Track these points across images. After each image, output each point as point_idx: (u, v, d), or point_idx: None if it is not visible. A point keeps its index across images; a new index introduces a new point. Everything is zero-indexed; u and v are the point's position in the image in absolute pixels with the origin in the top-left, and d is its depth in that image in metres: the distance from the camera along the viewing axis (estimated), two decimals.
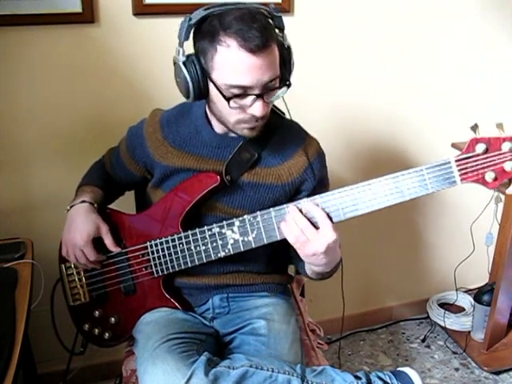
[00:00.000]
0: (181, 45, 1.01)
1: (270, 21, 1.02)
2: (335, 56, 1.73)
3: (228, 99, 0.99)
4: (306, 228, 0.99)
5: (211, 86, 1.02)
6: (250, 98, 1.00)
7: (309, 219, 1.00)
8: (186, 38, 1.01)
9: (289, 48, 1.06)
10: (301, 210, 1.02)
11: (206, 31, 0.98)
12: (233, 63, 0.96)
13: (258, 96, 0.99)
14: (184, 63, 1.01)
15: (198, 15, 0.99)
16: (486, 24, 1.87)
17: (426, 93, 1.89)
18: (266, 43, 0.95)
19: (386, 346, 2.09)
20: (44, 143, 1.54)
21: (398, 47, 1.79)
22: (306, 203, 1.02)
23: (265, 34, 0.95)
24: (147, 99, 1.54)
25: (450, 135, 1.87)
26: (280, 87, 1.03)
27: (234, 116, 1.04)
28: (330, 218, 1.00)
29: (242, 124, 1.06)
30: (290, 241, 1.01)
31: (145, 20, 1.50)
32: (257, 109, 1.01)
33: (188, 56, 1.02)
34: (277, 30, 1.04)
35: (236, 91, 0.99)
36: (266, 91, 1.00)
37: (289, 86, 1.04)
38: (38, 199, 1.59)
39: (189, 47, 1.03)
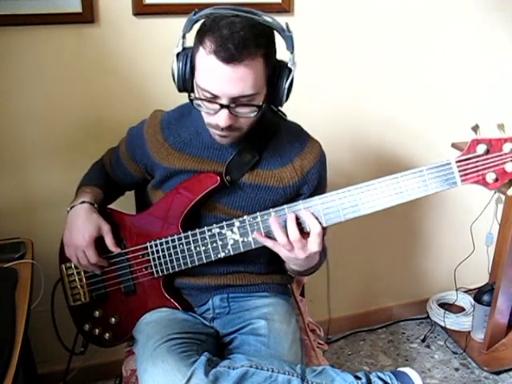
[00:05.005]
0: (183, 36, 1.02)
1: (273, 36, 0.99)
2: (335, 56, 1.73)
3: (191, 99, 1.00)
4: (296, 241, 1.01)
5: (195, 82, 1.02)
6: (216, 106, 0.98)
7: (299, 223, 1.03)
8: (187, 31, 1.01)
9: (290, 70, 1.01)
10: (297, 217, 1.03)
11: (199, 29, 0.99)
12: (205, 66, 0.96)
13: (224, 106, 0.97)
14: (177, 54, 1.02)
15: (202, 12, 0.99)
16: (486, 24, 1.87)
17: (426, 93, 1.89)
18: (239, 56, 0.91)
19: (385, 346, 2.09)
20: (44, 143, 1.54)
21: (398, 47, 1.79)
22: (304, 213, 1.03)
23: (244, 46, 0.91)
24: (147, 99, 1.54)
25: (450, 135, 1.87)
26: (256, 106, 0.99)
27: (205, 118, 1.04)
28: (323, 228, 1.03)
29: (211, 129, 1.05)
30: (271, 245, 1.05)
31: (145, 20, 1.50)
32: (220, 118, 0.98)
33: (185, 49, 1.02)
34: (288, 52, 1.01)
35: (206, 95, 0.98)
36: (235, 104, 0.98)
37: (260, 108, 0.99)
38: (38, 199, 1.59)
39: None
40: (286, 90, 1.02)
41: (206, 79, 0.96)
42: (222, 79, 0.94)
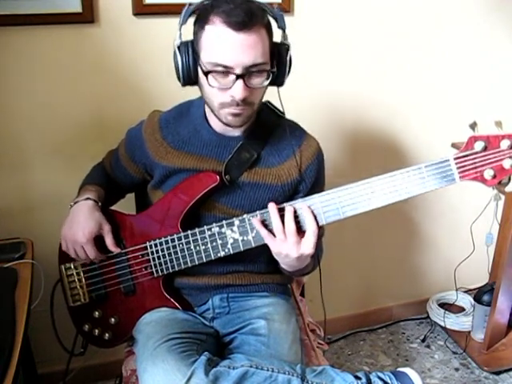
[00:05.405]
0: (179, 29, 1.03)
1: (268, 14, 1.03)
2: (335, 56, 1.73)
3: (206, 73, 1.00)
4: (290, 233, 1.01)
5: (199, 69, 1.03)
6: (230, 78, 1.00)
7: (297, 221, 1.02)
8: (184, 22, 1.03)
9: (288, 47, 1.06)
10: (295, 211, 1.03)
11: (199, 15, 1.01)
12: (215, 39, 0.98)
13: (239, 77, 0.99)
14: (178, 47, 1.03)
15: (199, 2, 1.02)
16: (486, 24, 1.87)
17: (426, 93, 1.89)
18: (249, 22, 0.96)
19: (385, 346, 2.09)
20: (44, 143, 1.54)
21: (398, 47, 1.79)
22: (304, 209, 1.03)
23: (250, 14, 0.96)
24: (147, 99, 1.54)
25: (450, 135, 1.86)
26: (266, 71, 1.02)
27: (217, 98, 1.03)
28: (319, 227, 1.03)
29: (225, 109, 1.04)
30: (265, 234, 1.04)
31: (145, 20, 1.50)
32: (236, 90, 1.00)
33: (185, 41, 1.04)
34: (280, 31, 1.06)
35: (218, 69, 0.99)
36: (248, 74, 1.00)
37: (273, 74, 1.04)
38: (38, 199, 1.59)
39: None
40: (287, 67, 1.07)
41: (218, 52, 0.98)
42: (235, 48, 0.97)
